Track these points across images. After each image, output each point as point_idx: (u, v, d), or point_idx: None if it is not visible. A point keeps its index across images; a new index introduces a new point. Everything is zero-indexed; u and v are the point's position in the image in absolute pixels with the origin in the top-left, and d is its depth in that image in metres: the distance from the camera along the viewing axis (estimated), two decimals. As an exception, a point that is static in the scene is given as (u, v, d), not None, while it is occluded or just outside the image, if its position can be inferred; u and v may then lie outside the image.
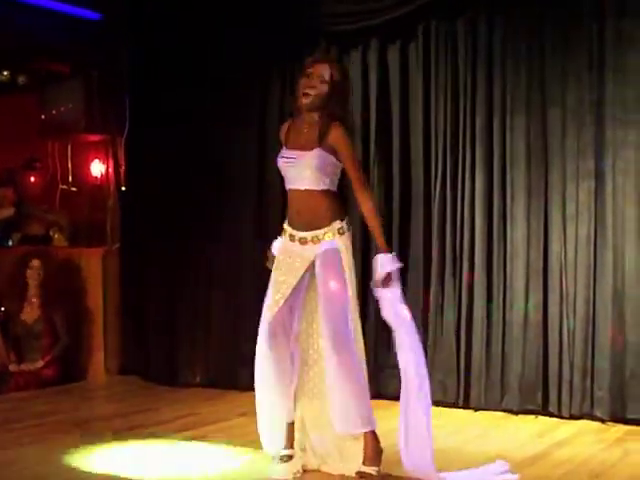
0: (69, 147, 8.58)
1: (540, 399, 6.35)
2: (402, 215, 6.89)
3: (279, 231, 4.98)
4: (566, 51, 6.32)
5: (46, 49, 7.81)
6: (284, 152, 4.85)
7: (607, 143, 6.19)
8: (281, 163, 4.84)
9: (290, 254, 4.84)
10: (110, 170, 8.32)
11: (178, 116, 7.59)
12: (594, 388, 6.17)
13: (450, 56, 6.71)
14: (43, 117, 8.15)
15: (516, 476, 4.82)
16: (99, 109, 8.03)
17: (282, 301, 4.78)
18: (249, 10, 7.26)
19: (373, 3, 6.85)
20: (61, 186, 8.62)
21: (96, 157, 8.47)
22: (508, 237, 6.49)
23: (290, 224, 4.88)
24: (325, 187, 4.77)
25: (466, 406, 6.57)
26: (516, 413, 6.40)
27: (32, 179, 8.74)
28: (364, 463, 4.76)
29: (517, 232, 6.45)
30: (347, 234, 4.81)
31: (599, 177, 6.21)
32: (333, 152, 4.72)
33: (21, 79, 8.29)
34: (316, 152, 4.71)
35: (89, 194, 8.56)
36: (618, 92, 6.17)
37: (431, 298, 6.71)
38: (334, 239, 4.77)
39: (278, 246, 4.94)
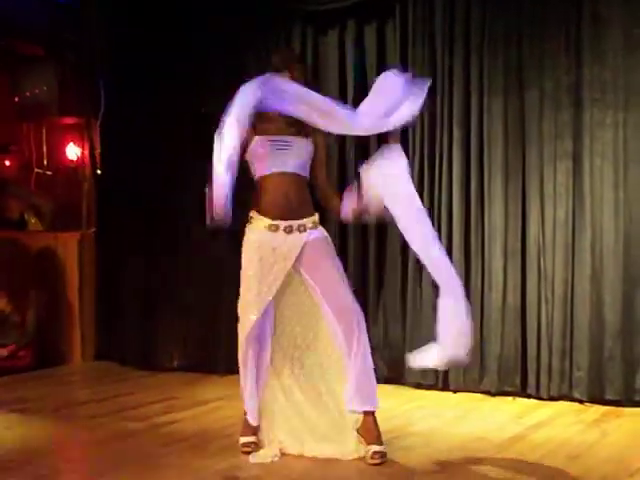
0: (44, 130, 8.48)
1: (519, 381, 6.35)
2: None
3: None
4: (543, 33, 6.31)
5: (19, 31, 7.70)
6: (267, 139, 4.80)
7: (585, 124, 6.19)
8: (269, 148, 4.79)
9: (272, 249, 4.78)
10: (85, 153, 8.24)
11: (153, 98, 7.55)
12: (573, 369, 6.18)
13: (427, 37, 6.68)
14: (17, 100, 8.06)
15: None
16: (74, 91, 7.96)
17: (263, 308, 4.80)
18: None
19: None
20: (36, 170, 8.53)
21: (71, 140, 8.39)
22: (486, 219, 6.49)
23: (268, 213, 4.80)
24: (308, 177, 4.91)
25: (445, 388, 6.58)
26: (494, 395, 6.40)
27: (7, 163, 8.63)
28: (375, 443, 4.76)
29: (495, 214, 6.45)
30: None
31: (577, 158, 6.21)
32: (316, 140, 4.90)
33: (-7, 61, 8.20)
34: (310, 141, 4.87)
35: (64, 178, 8.48)
36: (595, 74, 6.16)
37: (409, 279, 6.69)
38: (319, 228, 4.88)
39: (253, 238, 4.84)
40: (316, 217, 4.89)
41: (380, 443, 4.78)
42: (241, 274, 4.87)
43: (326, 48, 7.05)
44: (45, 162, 8.53)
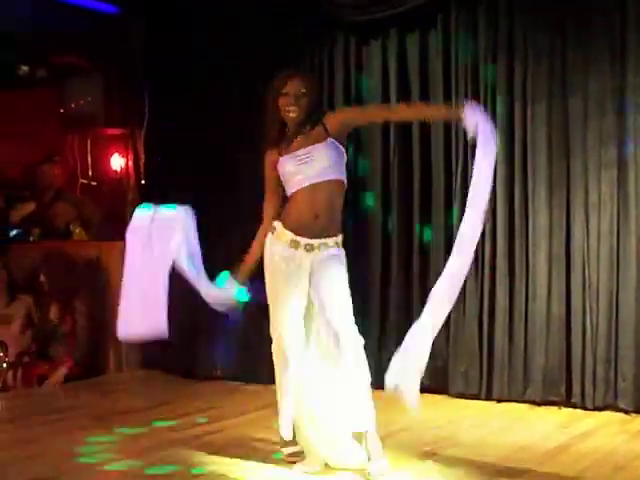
0: (89, 141, 8.58)
1: (563, 390, 6.30)
2: (422, 205, 6.86)
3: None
4: (587, 39, 6.25)
5: (65, 43, 7.79)
6: (290, 157, 4.79)
7: (629, 131, 6.13)
8: (291, 166, 4.77)
9: (294, 266, 4.74)
10: (130, 164, 8.30)
11: (197, 109, 7.58)
12: (618, 379, 6.12)
13: (470, 46, 6.66)
14: (63, 111, 8.14)
15: None
16: (118, 103, 8.02)
17: (298, 320, 4.78)
18: (265, 1, 7.22)
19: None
20: (81, 180, 8.62)
21: (116, 151, 8.47)
22: (530, 228, 6.44)
23: (293, 229, 4.75)
24: (343, 180, 4.82)
25: (489, 398, 6.53)
26: (539, 404, 6.35)
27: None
28: (379, 459, 4.71)
29: (539, 223, 6.40)
30: None
31: (622, 166, 6.15)
32: (341, 137, 4.83)
33: (40, 73, 8.28)
34: (329, 142, 4.77)
35: (109, 188, 8.55)
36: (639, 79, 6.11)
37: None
38: (339, 249, 4.82)
39: (274, 250, 4.79)
40: (339, 238, 4.82)
41: (383, 458, 4.73)
42: (267, 291, 4.84)
43: (369, 57, 7.04)
44: (90, 172, 8.62)
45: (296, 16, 7.15)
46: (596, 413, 6.12)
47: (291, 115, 4.80)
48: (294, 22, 7.15)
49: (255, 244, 4.92)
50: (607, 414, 6.09)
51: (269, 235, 4.82)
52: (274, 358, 4.89)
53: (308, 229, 4.73)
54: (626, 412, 6.07)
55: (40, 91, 8.39)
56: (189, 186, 7.66)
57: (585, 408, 6.19)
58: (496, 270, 6.53)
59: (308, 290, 4.75)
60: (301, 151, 4.76)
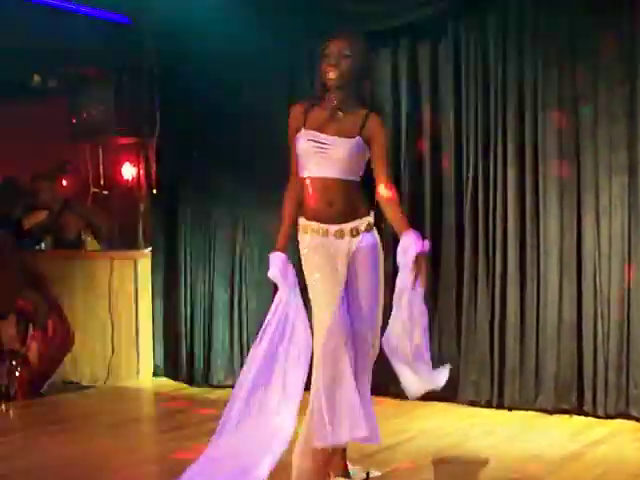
0: (100, 150, 8.60)
1: (575, 398, 6.26)
2: (433, 213, 6.83)
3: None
4: (596, 45, 6.23)
5: (76, 53, 7.82)
6: (313, 135, 4.43)
7: (639, 136, 6.11)
8: (308, 147, 4.42)
9: (326, 251, 4.40)
10: (141, 173, 8.32)
11: (208, 118, 7.59)
12: (629, 386, 6.08)
13: (480, 54, 6.64)
14: (74, 120, 8.16)
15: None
16: (130, 112, 8.03)
17: (337, 312, 4.32)
18: (277, 11, 7.22)
19: (402, 2, 6.78)
20: (93, 189, 8.64)
21: (127, 160, 8.49)
22: (541, 233, 6.42)
23: (315, 218, 4.44)
24: (358, 177, 4.48)
25: (500, 406, 6.49)
26: (551, 412, 6.31)
27: (64, 182, 8.75)
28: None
29: (550, 227, 6.38)
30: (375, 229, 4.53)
31: (632, 170, 6.12)
32: (368, 142, 4.44)
33: (52, 83, 8.31)
34: (357, 140, 4.40)
35: (121, 197, 8.57)
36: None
37: (464, 296, 6.65)
38: (372, 231, 4.48)
39: (304, 245, 4.47)
40: (370, 218, 4.48)
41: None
42: (308, 286, 4.44)
43: (379, 66, 7.02)
44: (102, 182, 8.64)
45: (306, 26, 7.11)
46: (608, 421, 6.08)
47: (329, 77, 4.39)
48: (303, 32, 7.11)
49: (285, 204, 4.59)
50: (619, 422, 6.05)
51: (298, 234, 4.50)
52: (316, 357, 4.35)
53: (330, 216, 4.42)
54: (638, 420, 6.03)
55: (52, 101, 8.42)
56: (201, 195, 7.70)
57: (597, 416, 6.15)
58: (507, 276, 6.51)
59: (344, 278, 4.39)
60: (325, 137, 4.41)
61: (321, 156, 4.41)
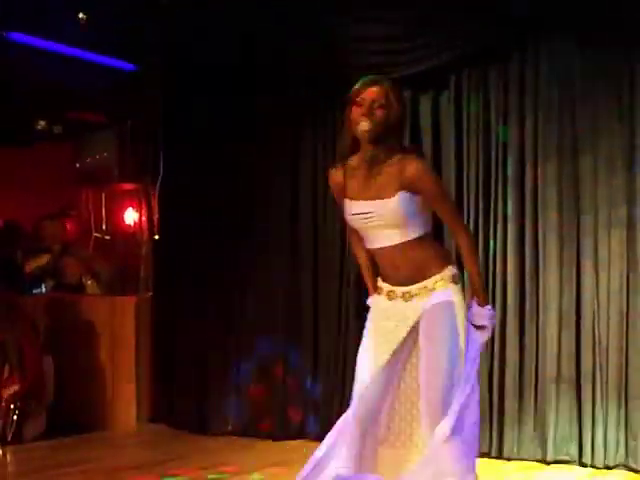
0: (103, 195, 8.65)
1: (574, 450, 6.27)
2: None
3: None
4: (597, 98, 6.30)
5: (81, 99, 7.89)
6: (353, 207, 4.09)
7: (639, 189, 6.17)
8: (355, 221, 4.11)
9: (388, 316, 4.13)
10: (143, 219, 8.36)
11: (211, 166, 7.65)
12: (628, 439, 6.10)
13: (482, 106, 6.71)
14: (78, 166, 8.23)
15: None
16: (133, 158, 8.10)
17: (376, 373, 4.10)
18: (280, 61, 7.30)
19: (403, 56, 6.85)
20: (95, 234, 8.68)
21: (130, 205, 8.54)
22: (540, 286, 6.44)
23: (385, 280, 4.18)
24: (422, 232, 4.07)
25: (499, 456, 6.49)
26: (550, 463, 6.31)
27: (66, 227, 8.80)
28: None
29: (550, 281, 6.40)
30: (460, 284, 4.12)
31: (631, 224, 6.18)
32: (415, 191, 3.98)
33: (57, 129, 8.39)
34: (400, 196, 3.98)
35: (122, 242, 8.61)
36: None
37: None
38: (449, 289, 4.06)
39: (374, 304, 4.24)
40: (447, 272, 4.08)
41: None
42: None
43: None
44: (104, 227, 8.68)
45: (310, 76, 7.19)
46: (607, 472, 6.08)
47: (361, 128, 3.95)
48: (309, 83, 7.19)
49: (357, 253, 4.40)
50: (618, 472, 6.06)
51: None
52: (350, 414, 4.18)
53: (394, 279, 4.12)
54: (636, 472, 6.04)
55: (56, 146, 8.49)
56: (201, 242, 7.72)
57: (595, 467, 6.15)
58: (506, 328, 6.53)
59: (401, 342, 4.09)
60: (364, 204, 4.04)
61: (371, 227, 4.06)
